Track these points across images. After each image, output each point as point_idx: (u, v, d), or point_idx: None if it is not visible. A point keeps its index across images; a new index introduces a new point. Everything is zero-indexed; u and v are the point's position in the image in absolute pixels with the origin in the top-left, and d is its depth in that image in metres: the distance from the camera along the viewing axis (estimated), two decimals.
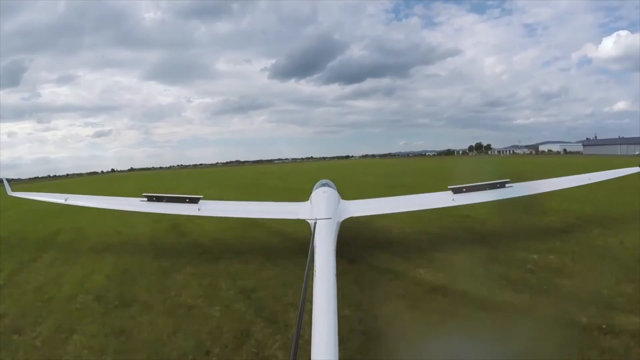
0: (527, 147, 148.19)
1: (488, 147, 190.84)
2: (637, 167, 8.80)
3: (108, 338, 4.79)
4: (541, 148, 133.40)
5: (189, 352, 4.32)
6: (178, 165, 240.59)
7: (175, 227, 11.92)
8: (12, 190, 10.03)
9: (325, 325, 2.78)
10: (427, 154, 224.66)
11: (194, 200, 7.84)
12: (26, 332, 5.07)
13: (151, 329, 4.98)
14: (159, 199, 8.01)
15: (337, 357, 2.49)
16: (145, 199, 8.00)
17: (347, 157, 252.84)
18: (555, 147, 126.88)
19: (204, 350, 4.35)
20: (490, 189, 7.52)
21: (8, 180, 11.31)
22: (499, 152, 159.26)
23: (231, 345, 4.43)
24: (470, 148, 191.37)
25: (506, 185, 7.53)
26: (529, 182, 8.61)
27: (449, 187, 7.66)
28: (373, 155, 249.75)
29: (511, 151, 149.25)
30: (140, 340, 4.71)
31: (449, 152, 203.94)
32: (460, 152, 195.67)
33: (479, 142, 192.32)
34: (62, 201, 8.96)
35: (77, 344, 4.67)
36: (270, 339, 4.50)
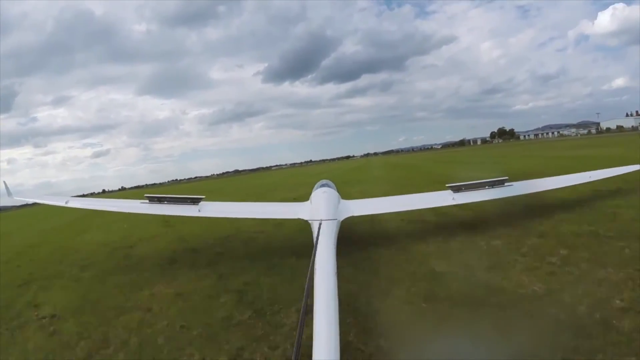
0: (574, 125, 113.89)
1: (512, 132, 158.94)
2: (638, 165, 8.16)
3: None
4: (605, 125, 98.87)
5: None
6: (171, 181, 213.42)
7: None
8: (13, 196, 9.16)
9: (326, 325, 2.60)
10: (433, 146, 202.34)
11: (195, 201, 7.29)
12: None
13: None
14: (160, 200, 7.42)
15: (338, 357, 2.33)
16: (147, 201, 7.40)
17: (348, 157, 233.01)
18: (629, 122, 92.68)
19: None
20: (489, 187, 7.00)
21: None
22: (535, 135, 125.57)
23: None
24: (493, 135, 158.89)
25: (505, 184, 7.04)
26: (528, 180, 8.17)
27: (447, 185, 7.10)
28: (375, 153, 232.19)
29: (556, 132, 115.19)
30: None
31: (462, 143, 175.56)
32: (479, 141, 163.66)
33: (502, 127, 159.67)
34: (62, 204, 8.23)
35: None
36: None
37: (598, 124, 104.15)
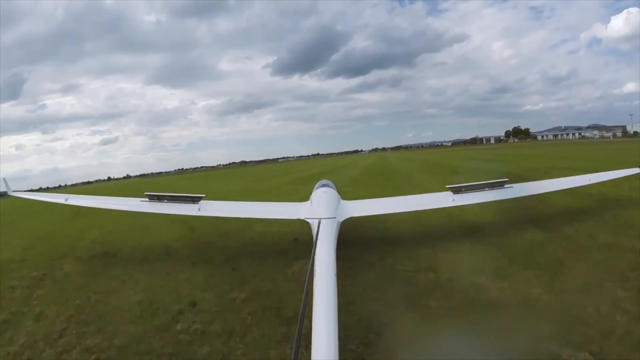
0: (591, 127, 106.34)
1: (527, 132, 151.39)
2: (637, 168, 7.90)
3: None
4: (635, 128, 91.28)
5: None
6: (177, 170, 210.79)
7: None
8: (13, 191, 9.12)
9: (325, 325, 2.58)
10: (443, 144, 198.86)
11: (195, 200, 7.14)
12: None
13: None
14: (159, 199, 7.29)
15: (337, 357, 2.32)
16: (147, 199, 7.27)
17: (356, 151, 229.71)
18: None
19: None
20: (489, 188, 6.82)
21: None
22: (554, 136, 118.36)
23: None
24: (508, 134, 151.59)
25: (505, 185, 6.86)
26: (528, 182, 7.96)
27: (447, 186, 6.89)
28: (384, 149, 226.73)
29: (578, 134, 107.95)
30: None
31: (474, 141, 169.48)
32: (492, 139, 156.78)
33: (516, 126, 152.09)
34: (62, 201, 8.20)
35: None
36: None
37: (624, 126, 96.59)
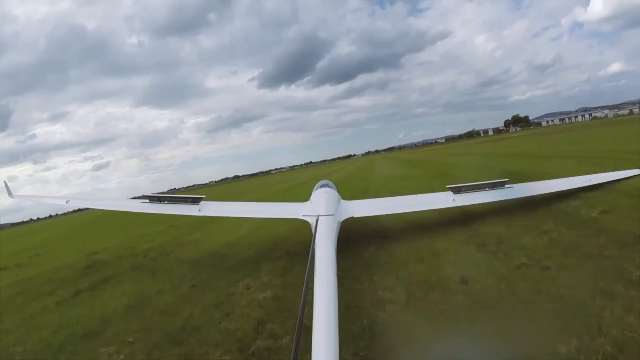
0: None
1: (527, 119, 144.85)
2: (637, 170, 7.68)
3: None
4: None
5: None
6: (169, 190, 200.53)
7: None
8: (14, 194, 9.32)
9: (325, 325, 2.53)
10: (436, 141, 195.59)
11: (195, 201, 7.08)
12: None
13: None
14: (160, 200, 7.30)
15: (337, 357, 2.27)
16: (147, 200, 7.31)
17: (349, 156, 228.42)
18: None
19: None
20: (490, 189, 6.75)
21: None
22: (561, 120, 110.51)
23: None
24: (507, 123, 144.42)
25: (505, 185, 6.77)
26: (529, 182, 7.81)
27: (447, 186, 6.79)
28: (377, 151, 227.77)
29: (588, 116, 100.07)
30: None
31: (470, 135, 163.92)
32: (490, 131, 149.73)
33: (516, 114, 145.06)
34: (63, 203, 8.36)
35: None
36: None
37: None
